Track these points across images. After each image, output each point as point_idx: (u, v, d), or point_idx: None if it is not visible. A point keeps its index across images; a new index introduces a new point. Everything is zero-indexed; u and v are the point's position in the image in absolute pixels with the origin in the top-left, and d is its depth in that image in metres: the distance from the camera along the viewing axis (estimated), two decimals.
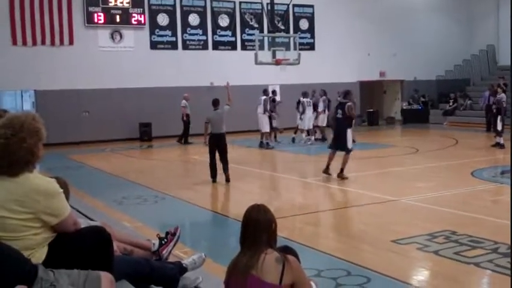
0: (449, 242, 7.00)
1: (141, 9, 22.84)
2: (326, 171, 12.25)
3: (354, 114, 12.39)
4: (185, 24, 23.87)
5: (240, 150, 18.81)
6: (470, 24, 30.25)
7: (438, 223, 8.12)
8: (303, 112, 19.91)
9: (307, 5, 26.37)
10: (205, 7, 24.23)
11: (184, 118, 20.73)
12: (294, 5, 24.64)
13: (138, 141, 22.00)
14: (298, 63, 19.55)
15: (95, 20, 21.98)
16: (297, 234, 7.72)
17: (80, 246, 3.25)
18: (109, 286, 3.11)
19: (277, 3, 20.77)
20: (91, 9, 21.84)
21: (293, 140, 20.25)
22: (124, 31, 22.58)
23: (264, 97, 19.55)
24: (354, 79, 27.05)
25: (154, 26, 23.21)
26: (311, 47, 26.35)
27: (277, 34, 22.32)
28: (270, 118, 19.53)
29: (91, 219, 4.85)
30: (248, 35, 24.83)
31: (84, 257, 3.23)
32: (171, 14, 23.52)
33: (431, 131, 21.33)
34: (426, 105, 28.21)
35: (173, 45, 23.63)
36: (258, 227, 3.12)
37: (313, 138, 20.30)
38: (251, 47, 22.83)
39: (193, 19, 24.04)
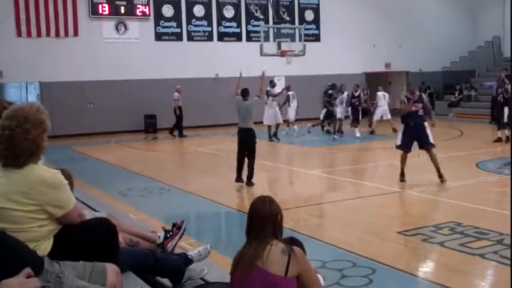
0: (454, 234, 6.99)
1: (146, 1, 22.79)
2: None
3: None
4: (190, 16, 23.80)
5: None
6: (476, 15, 30.07)
7: (443, 214, 8.12)
8: (289, 104, 20.12)
9: None
10: None
11: (177, 111, 20.49)
12: None
13: (143, 133, 22.01)
14: (304, 54, 19.48)
15: (100, 11, 21.96)
16: (302, 226, 7.73)
17: (86, 238, 3.25)
18: (114, 278, 3.11)
19: None
20: (95, 0, 21.81)
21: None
22: (128, 22, 22.54)
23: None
24: (359, 70, 26.95)
25: (158, 17, 23.16)
26: (316, 38, 26.26)
27: (282, 25, 22.27)
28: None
29: (96, 211, 4.85)
30: (253, 26, 24.75)
31: (90, 248, 3.23)
32: (176, 5, 23.47)
33: (436, 122, 21.23)
34: (432, 97, 28.09)
35: (178, 37, 23.58)
36: (263, 219, 3.11)
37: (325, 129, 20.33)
38: (256, 39, 22.78)
39: (198, 10, 23.98)
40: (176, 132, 20.63)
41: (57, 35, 21.18)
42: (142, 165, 13.85)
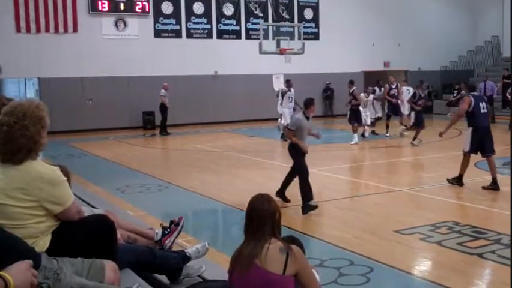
0: (452, 233, 7.00)
1: None
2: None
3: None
4: (190, 13, 23.78)
5: (243, 139, 18.82)
6: (475, 15, 30.08)
7: (441, 214, 8.12)
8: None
9: None
10: None
11: (162, 108, 20.43)
12: None
13: (141, 129, 22.00)
14: (303, 52, 19.50)
15: (100, 8, 21.92)
16: (300, 224, 7.73)
17: (84, 235, 3.25)
18: (112, 274, 3.11)
19: None
20: None
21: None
22: (128, 19, 22.52)
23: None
24: (358, 69, 26.96)
25: (158, 14, 23.13)
26: (315, 36, 26.25)
27: (281, 23, 22.29)
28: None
29: (94, 208, 4.85)
30: (253, 24, 24.74)
31: (88, 245, 3.23)
32: (175, 2, 23.44)
33: (434, 121, 21.24)
34: (430, 96, 28.11)
35: (177, 34, 23.56)
36: (262, 217, 3.11)
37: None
38: (255, 36, 22.79)
39: (198, 7, 23.95)
40: (163, 131, 20.58)
41: (56, 31, 21.15)
42: (140, 162, 13.85)
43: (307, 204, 8.17)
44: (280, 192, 9.01)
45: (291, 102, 18.01)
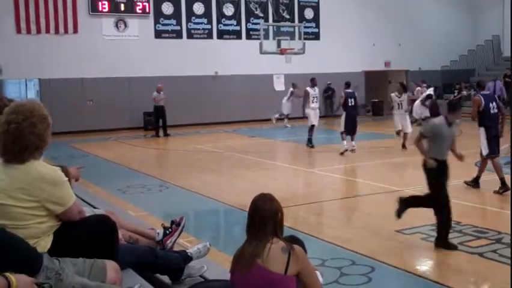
0: (453, 232, 6.99)
1: None
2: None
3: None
4: (190, 13, 23.79)
5: (244, 139, 18.83)
6: (475, 14, 30.07)
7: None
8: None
9: None
10: None
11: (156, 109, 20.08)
12: None
13: (142, 130, 22.00)
14: (303, 52, 19.51)
15: (100, 8, 21.93)
16: (302, 224, 7.73)
17: (86, 235, 3.25)
18: (114, 274, 3.11)
19: None
20: None
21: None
22: (128, 20, 22.52)
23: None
24: (359, 69, 26.96)
25: (158, 14, 23.14)
26: (316, 36, 26.25)
27: (282, 23, 22.30)
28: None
29: (96, 208, 4.86)
30: (253, 24, 24.73)
31: (89, 245, 3.23)
32: (176, 3, 23.44)
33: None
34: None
35: (178, 34, 23.57)
36: (264, 216, 3.11)
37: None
38: (256, 36, 22.78)
39: (198, 8, 23.96)
40: (161, 132, 20.14)
41: (56, 31, 21.16)
42: (141, 163, 13.86)
43: (448, 242, 6.50)
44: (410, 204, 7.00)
45: (315, 102, 16.39)
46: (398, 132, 15.16)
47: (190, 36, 23.81)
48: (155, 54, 22.58)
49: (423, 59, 28.10)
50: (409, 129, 14.83)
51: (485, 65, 29.22)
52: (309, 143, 15.87)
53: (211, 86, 23.70)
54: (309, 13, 26.39)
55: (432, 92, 17.91)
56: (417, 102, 17.78)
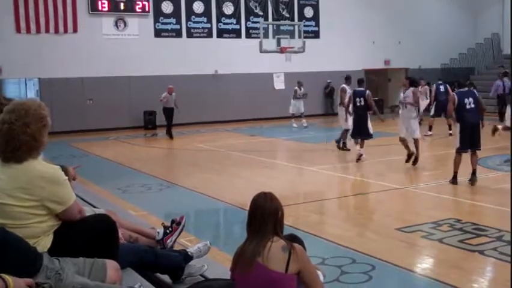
0: (454, 230, 7.00)
1: None
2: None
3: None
4: (190, 12, 23.77)
5: (244, 138, 18.82)
6: (475, 12, 30.05)
7: (443, 211, 8.12)
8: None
9: None
10: None
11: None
12: None
13: (142, 129, 22.00)
14: (303, 51, 19.50)
15: (100, 8, 21.91)
16: (302, 222, 7.72)
17: (86, 234, 3.25)
18: (114, 274, 3.11)
19: None
20: None
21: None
22: (128, 19, 22.51)
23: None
24: (359, 67, 26.90)
25: (158, 13, 23.12)
26: (316, 35, 26.22)
27: (282, 22, 22.29)
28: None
29: (96, 207, 4.85)
30: (253, 22, 24.71)
31: (89, 245, 3.23)
32: (175, 2, 23.42)
33: (435, 119, 21.27)
34: (430, 93, 28.06)
35: (177, 33, 23.55)
36: (264, 215, 3.11)
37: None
38: (256, 35, 22.77)
39: (198, 7, 23.94)
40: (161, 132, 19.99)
41: (56, 31, 21.15)
42: (142, 162, 13.85)
43: None
44: None
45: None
46: (401, 140, 12.13)
47: (189, 35, 23.79)
48: (155, 53, 22.57)
49: (423, 57, 28.07)
50: (417, 134, 12.07)
51: (485, 63, 29.19)
52: (344, 146, 14.50)
53: (211, 85, 23.69)
54: (308, 11, 26.37)
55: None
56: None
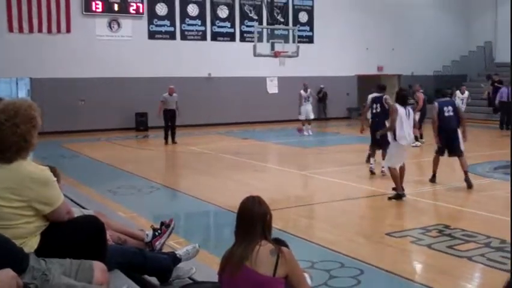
0: (443, 236, 7.03)
1: None
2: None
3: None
4: (184, 15, 23.79)
5: (236, 141, 18.83)
6: (468, 20, 30.25)
7: (432, 217, 8.15)
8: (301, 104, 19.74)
9: None
10: None
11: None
12: None
13: (134, 131, 21.96)
14: (297, 55, 19.55)
15: (93, 8, 21.89)
16: (292, 226, 7.73)
17: (73, 235, 3.24)
18: (101, 275, 3.10)
19: None
20: None
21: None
22: (121, 20, 22.49)
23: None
24: (352, 73, 27.07)
25: (152, 15, 23.12)
26: (310, 40, 26.31)
27: (276, 26, 22.33)
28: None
29: (85, 209, 4.85)
30: (247, 26, 24.78)
31: (77, 246, 3.22)
32: (170, 4, 23.43)
33: (426, 125, 21.34)
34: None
35: (171, 36, 23.55)
36: (252, 219, 3.12)
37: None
38: (250, 39, 22.82)
39: (192, 9, 23.96)
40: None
41: (49, 31, 21.10)
42: (133, 164, 13.81)
43: None
44: None
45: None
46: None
47: (183, 37, 23.80)
48: (148, 55, 22.56)
49: (416, 64, 28.23)
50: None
51: (477, 71, 29.37)
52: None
53: (204, 88, 23.70)
54: (303, 17, 26.45)
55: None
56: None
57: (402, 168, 9.46)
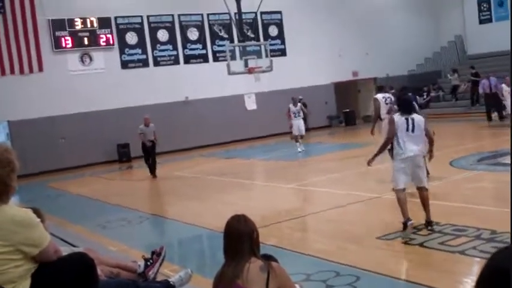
0: (433, 233, 7.07)
1: (109, 30, 22.75)
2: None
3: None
4: (155, 41, 23.84)
5: (220, 162, 18.81)
6: (436, 17, 30.70)
7: (421, 215, 8.19)
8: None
9: (275, 12, 26.50)
10: (173, 22, 24.23)
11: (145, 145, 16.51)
12: (261, 13, 24.66)
13: (117, 162, 21.85)
14: (271, 70, 19.66)
15: (63, 45, 21.85)
16: (285, 241, 7.74)
17: (64, 274, 3.23)
18: None
19: (244, 12, 20.76)
20: (57, 33, 21.69)
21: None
22: (93, 53, 22.47)
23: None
24: (327, 81, 27.27)
25: (123, 45, 23.14)
26: (282, 52, 26.48)
27: (247, 43, 22.46)
28: None
29: (74, 246, 4.82)
30: (219, 46, 24.89)
31: (68, 284, 3.21)
32: (139, 32, 23.48)
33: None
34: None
35: (144, 63, 23.58)
36: (239, 237, 3.14)
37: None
38: (223, 58, 22.90)
39: (162, 35, 24.03)
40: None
41: (21, 71, 21.00)
42: (120, 196, 13.74)
43: None
44: None
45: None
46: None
47: (156, 63, 23.84)
48: (123, 85, 22.54)
49: (390, 65, 28.52)
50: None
51: (451, 66, 29.76)
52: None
53: (182, 112, 23.71)
54: (273, 30, 26.64)
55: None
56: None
57: (420, 190, 7.33)
